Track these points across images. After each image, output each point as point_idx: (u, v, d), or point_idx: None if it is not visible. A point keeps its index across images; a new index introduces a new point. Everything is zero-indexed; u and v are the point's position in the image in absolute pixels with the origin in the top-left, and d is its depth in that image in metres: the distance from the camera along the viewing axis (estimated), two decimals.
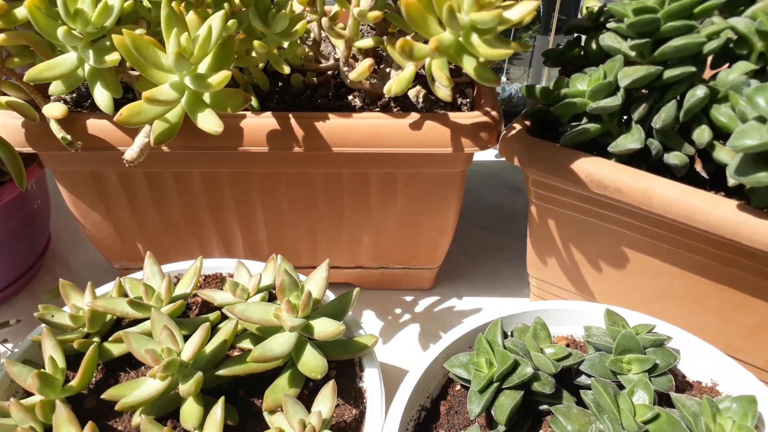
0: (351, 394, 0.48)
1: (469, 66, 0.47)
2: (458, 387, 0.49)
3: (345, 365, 0.49)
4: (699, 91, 0.51)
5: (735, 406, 0.43)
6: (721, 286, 0.54)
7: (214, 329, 0.48)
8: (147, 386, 0.43)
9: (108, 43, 0.50)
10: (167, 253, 0.68)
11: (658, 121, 0.52)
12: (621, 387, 0.44)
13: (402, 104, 0.62)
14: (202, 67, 0.48)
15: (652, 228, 0.54)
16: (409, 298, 0.74)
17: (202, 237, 0.68)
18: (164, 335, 0.44)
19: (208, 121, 0.47)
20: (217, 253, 0.70)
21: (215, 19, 0.45)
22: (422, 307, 0.73)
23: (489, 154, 0.96)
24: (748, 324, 0.55)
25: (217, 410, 0.42)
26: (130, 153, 0.51)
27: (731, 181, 0.51)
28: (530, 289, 0.71)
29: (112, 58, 0.48)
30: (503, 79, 1.32)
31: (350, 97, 0.64)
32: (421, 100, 0.61)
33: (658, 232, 0.54)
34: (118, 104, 0.51)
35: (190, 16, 0.47)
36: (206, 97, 0.49)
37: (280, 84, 0.66)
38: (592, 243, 0.59)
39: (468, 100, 0.64)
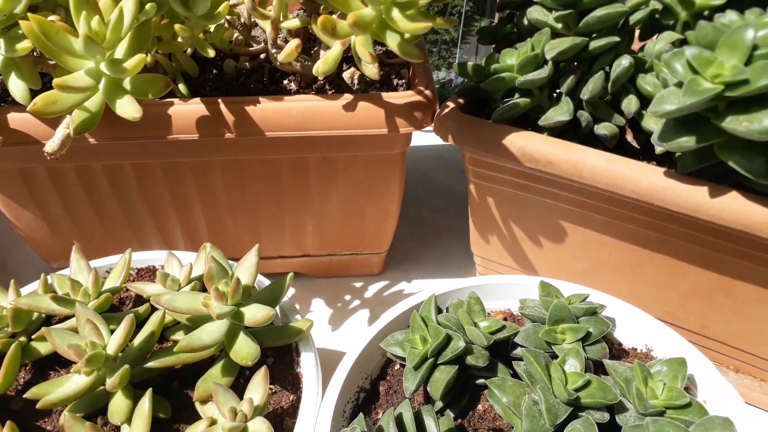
0: (288, 380, 0.47)
1: (392, 42, 0.47)
2: (397, 366, 0.49)
3: (282, 352, 0.49)
4: (624, 61, 0.51)
5: (665, 369, 0.43)
6: (655, 254, 0.55)
7: (144, 322, 0.47)
8: (71, 382, 0.42)
9: (20, 31, 0.48)
10: (105, 249, 0.67)
11: (585, 93, 0.52)
12: (555, 357, 0.45)
13: (337, 87, 0.61)
14: (119, 52, 0.46)
15: (586, 200, 0.54)
16: (358, 285, 0.73)
17: (140, 231, 0.66)
18: (88, 329, 0.43)
19: (127, 107, 0.45)
20: (156, 246, 0.68)
21: (127, 2, 0.44)
22: (372, 293, 0.72)
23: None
24: (682, 290, 0.56)
25: (145, 402, 0.40)
26: (51, 145, 0.50)
27: (658, 149, 0.52)
28: (476, 269, 0.71)
29: (24, 46, 0.47)
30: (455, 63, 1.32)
31: (285, 82, 0.62)
32: (356, 81, 0.61)
33: (591, 203, 0.54)
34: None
35: (104, 0, 0.45)
36: (126, 84, 0.48)
37: (214, 71, 0.64)
38: (530, 218, 0.60)
39: (404, 80, 0.63)
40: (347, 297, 0.72)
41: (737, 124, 0.42)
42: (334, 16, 0.49)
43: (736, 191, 0.47)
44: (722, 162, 0.46)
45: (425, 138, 0.95)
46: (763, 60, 0.41)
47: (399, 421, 0.39)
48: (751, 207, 0.46)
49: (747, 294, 0.53)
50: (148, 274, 0.55)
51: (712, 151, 0.46)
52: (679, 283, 0.56)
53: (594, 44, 0.51)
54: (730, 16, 0.49)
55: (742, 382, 0.59)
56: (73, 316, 0.48)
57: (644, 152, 0.56)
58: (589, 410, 0.40)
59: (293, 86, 0.62)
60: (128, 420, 0.41)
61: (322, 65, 0.50)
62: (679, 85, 0.44)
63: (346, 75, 0.60)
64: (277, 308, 0.50)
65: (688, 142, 0.45)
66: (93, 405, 0.44)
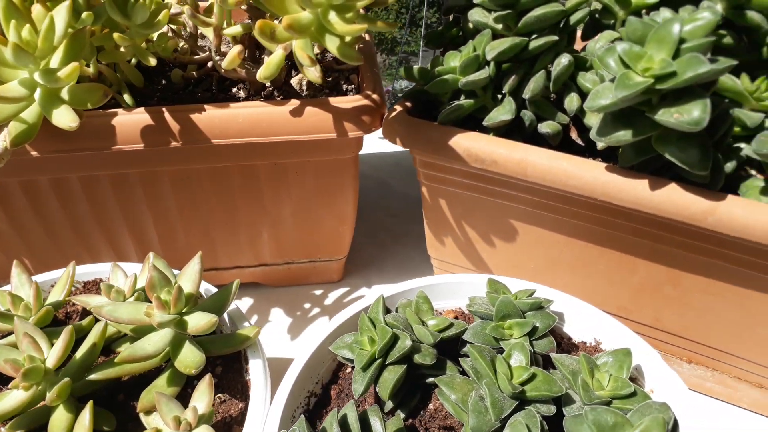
0: (237, 388, 0.46)
1: (332, 45, 0.47)
2: (348, 370, 0.49)
3: (231, 360, 0.48)
4: (564, 60, 0.52)
5: (611, 360, 0.44)
6: (605, 249, 0.56)
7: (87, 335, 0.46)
8: (10, 398, 0.41)
9: None
10: (55, 265, 0.65)
11: (527, 92, 0.53)
12: (503, 352, 0.45)
13: (286, 93, 0.61)
14: (54, 62, 0.45)
15: (533, 198, 0.55)
16: (318, 292, 0.73)
17: (91, 245, 0.65)
18: (26, 343, 0.42)
19: (63, 117, 0.45)
20: (108, 260, 0.67)
21: (60, 10, 0.43)
22: (332, 300, 0.72)
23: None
24: (633, 284, 0.57)
25: (85, 415, 0.39)
26: None
27: (599, 144, 0.53)
28: (433, 271, 0.71)
29: None
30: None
31: (234, 90, 0.62)
32: (305, 88, 0.61)
33: (539, 201, 0.55)
34: None
35: (37, 9, 0.45)
36: (64, 94, 0.47)
37: (163, 82, 0.64)
38: (481, 218, 0.60)
39: (353, 86, 0.63)
40: (307, 305, 0.71)
41: (669, 116, 0.43)
42: (276, 21, 0.49)
43: (675, 183, 0.48)
44: (660, 155, 0.47)
45: (383, 145, 0.95)
46: (689, 53, 0.42)
47: (343, 423, 0.39)
48: (689, 198, 0.47)
49: (694, 285, 0.54)
50: (95, 287, 0.54)
51: (649, 144, 0.47)
52: (629, 278, 0.57)
53: (534, 44, 0.52)
54: (664, 13, 0.50)
55: (695, 373, 0.60)
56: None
57: (589, 150, 0.57)
58: (535, 403, 0.40)
59: (242, 94, 0.62)
60: None
61: (264, 70, 0.50)
62: (614, 80, 0.45)
63: (294, 81, 0.61)
64: (225, 316, 0.50)
65: (625, 135, 0.46)
66: (35, 421, 0.43)
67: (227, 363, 0.48)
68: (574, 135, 0.57)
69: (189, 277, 0.45)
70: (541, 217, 0.56)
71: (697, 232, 0.48)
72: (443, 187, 0.60)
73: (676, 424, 0.34)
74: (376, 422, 0.40)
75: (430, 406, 0.46)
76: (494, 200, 0.57)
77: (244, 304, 0.71)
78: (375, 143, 0.96)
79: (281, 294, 0.72)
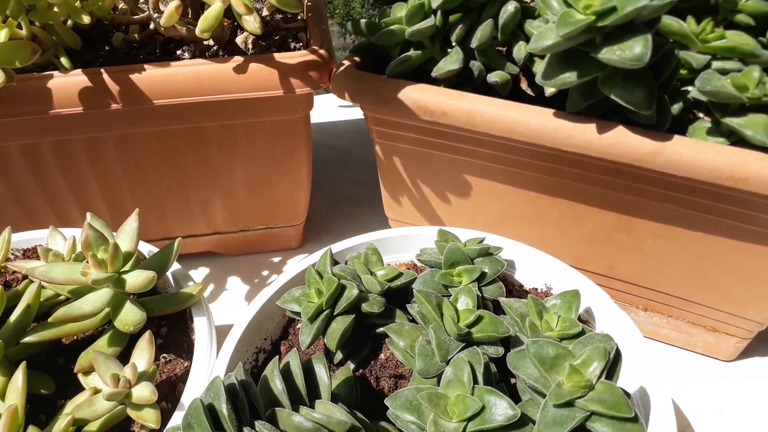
0: (183, 347, 0.45)
1: None
2: (299, 325, 0.48)
3: (176, 320, 0.47)
4: (509, 7, 0.52)
5: (560, 302, 0.43)
6: (556, 200, 0.55)
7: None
8: None
9: None
10: None
11: (475, 41, 0.52)
12: None
13: (231, 52, 0.60)
14: None
15: (484, 150, 0.54)
16: (276, 260, 0.72)
17: (35, 216, 0.63)
18: None
19: None
20: None
21: None
22: (290, 267, 0.71)
23: (358, 112, 0.95)
24: (586, 233, 0.57)
25: (18, 376, 0.38)
26: None
27: (548, 91, 0.52)
28: None
29: None
30: None
31: (179, 52, 0.60)
32: (250, 46, 0.59)
33: (489, 153, 0.54)
34: None
35: None
36: None
37: (106, 48, 0.61)
38: (435, 175, 0.59)
39: (301, 44, 0.62)
40: (265, 272, 0.70)
41: (611, 53, 0.43)
42: None
43: (623, 125, 0.47)
44: (607, 98, 0.47)
45: (342, 114, 0.94)
46: None
47: (286, 371, 0.38)
48: (636, 140, 0.47)
49: (645, 231, 0.54)
50: (35, 254, 0.53)
51: (595, 87, 0.46)
52: (582, 227, 0.56)
53: None
54: None
55: (651, 320, 0.60)
56: None
57: (540, 100, 0.56)
58: (483, 345, 0.40)
59: (187, 56, 0.60)
60: (2, 395, 0.38)
61: (202, 23, 0.48)
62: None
63: (239, 40, 0.59)
64: (169, 277, 0.48)
65: (570, 77, 0.46)
66: None
67: (172, 323, 0.47)
68: (524, 86, 0.56)
69: (126, 235, 0.44)
70: (492, 170, 0.56)
71: (646, 175, 0.48)
72: (396, 144, 0.59)
73: (618, 354, 0.34)
74: (321, 370, 0.39)
75: (381, 356, 0.45)
76: (446, 155, 0.57)
77: (199, 273, 0.70)
78: (334, 112, 0.94)
79: (238, 262, 0.71)
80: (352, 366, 0.44)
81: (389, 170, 0.62)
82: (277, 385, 0.36)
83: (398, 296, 0.47)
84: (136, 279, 0.41)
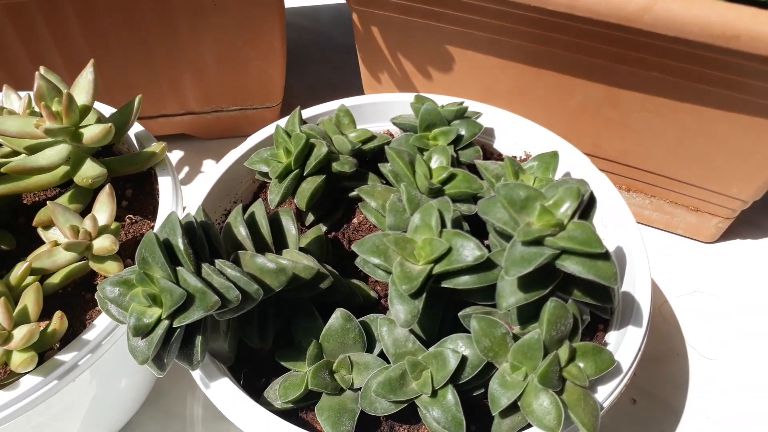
0: (149, 209, 0.44)
1: None
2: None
3: (142, 182, 0.45)
4: None
5: (537, 163, 0.42)
6: (541, 72, 0.53)
7: None
8: None
9: None
10: None
11: None
12: None
13: None
14: None
15: (468, 16, 0.51)
16: None
17: None
18: None
19: None
20: None
21: None
22: None
23: None
24: (571, 108, 0.54)
25: None
26: None
27: None
28: None
29: None
30: None
31: None
32: None
33: (474, 19, 0.51)
34: None
35: None
36: None
37: None
38: (416, 47, 0.56)
39: None
40: None
41: None
42: None
43: None
44: None
45: None
46: None
47: (251, 220, 0.36)
48: None
49: (632, 104, 0.52)
50: None
51: None
52: (567, 102, 0.54)
53: None
54: None
55: (634, 201, 0.59)
56: None
57: None
58: (456, 203, 0.39)
59: None
60: None
61: None
62: None
63: None
64: (132, 138, 0.46)
65: None
66: None
67: (138, 185, 0.45)
68: None
69: (82, 88, 0.41)
70: (476, 39, 0.53)
71: (634, 40, 0.46)
72: (375, 11, 0.55)
73: (593, 199, 0.33)
74: (288, 222, 0.38)
75: (354, 220, 0.44)
76: (428, 23, 0.53)
77: (173, 156, 0.67)
78: None
79: (213, 145, 0.68)
80: (324, 228, 0.42)
81: (368, 42, 0.58)
82: (241, 231, 0.35)
83: (372, 165, 0.45)
84: (94, 131, 0.39)
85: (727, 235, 0.60)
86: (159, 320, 0.29)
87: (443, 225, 0.34)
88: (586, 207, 0.32)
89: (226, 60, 0.60)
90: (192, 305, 0.29)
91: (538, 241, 0.30)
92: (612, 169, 0.58)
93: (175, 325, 0.29)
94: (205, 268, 0.30)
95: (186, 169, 0.66)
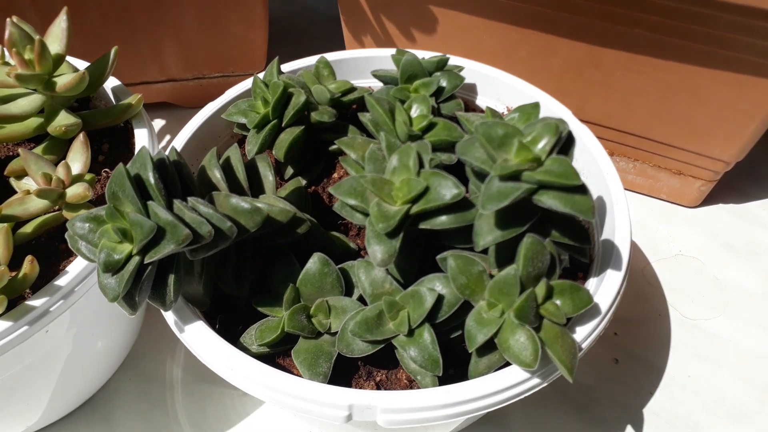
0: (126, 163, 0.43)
1: None
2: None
3: (118, 136, 0.45)
4: None
5: (518, 114, 0.41)
6: (526, 32, 0.53)
7: None
8: None
9: None
10: None
11: None
12: None
13: None
14: None
15: None
16: None
17: None
18: None
19: None
20: None
21: None
22: None
23: None
24: (555, 69, 0.54)
25: None
26: None
27: None
28: None
29: None
30: None
31: None
32: None
33: None
34: None
35: None
36: None
37: None
38: (399, 7, 0.56)
39: None
40: None
41: None
42: None
43: None
44: None
45: None
46: None
47: (227, 165, 0.36)
48: None
49: (616, 63, 0.51)
50: None
51: None
52: (551, 62, 0.54)
53: None
54: None
55: (618, 166, 0.59)
56: None
57: None
58: (436, 152, 0.38)
59: None
60: None
61: None
62: None
63: None
64: (109, 92, 0.46)
65: None
66: None
67: (114, 139, 0.44)
68: None
69: (55, 36, 0.40)
70: None
71: None
72: None
73: (571, 137, 0.33)
74: (264, 168, 0.37)
75: (334, 174, 0.44)
76: None
77: (155, 125, 0.67)
78: None
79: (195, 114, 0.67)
80: (303, 182, 0.42)
81: (351, 3, 0.58)
82: (215, 173, 0.34)
83: (353, 120, 0.44)
84: (67, 79, 0.38)
85: (710, 199, 0.60)
86: (130, 256, 0.29)
87: (421, 166, 0.33)
88: (565, 145, 0.32)
89: (208, 23, 0.60)
90: (163, 239, 0.28)
91: (515, 176, 0.30)
92: (596, 133, 0.57)
93: (146, 260, 0.29)
94: (177, 203, 0.30)
95: (167, 137, 0.66)
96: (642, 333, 0.52)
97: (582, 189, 0.30)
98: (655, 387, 0.49)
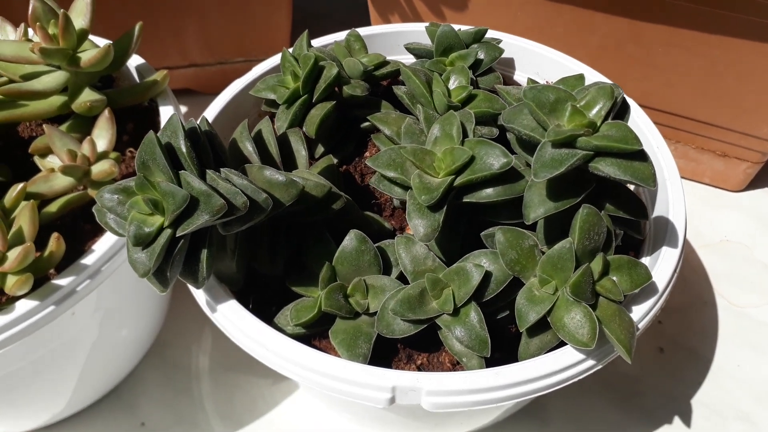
0: None
1: None
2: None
3: (143, 115, 0.43)
4: None
5: (562, 86, 0.39)
6: (562, 7, 0.50)
7: None
8: None
9: None
10: None
11: None
12: None
13: None
14: None
15: None
16: None
17: None
18: None
19: None
20: None
21: None
22: None
23: None
24: (593, 46, 0.52)
25: None
26: None
27: None
28: None
29: None
30: None
31: None
32: None
33: None
34: None
35: None
36: None
37: None
38: None
39: None
40: None
41: None
42: None
43: None
44: None
45: None
46: None
47: (258, 138, 0.34)
48: None
49: (657, 38, 0.49)
50: None
51: None
52: (589, 39, 0.52)
53: None
54: None
55: None
56: None
57: None
58: (477, 126, 0.36)
59: None
60: None
61: None
62: None
63: None
64: (132, 71, 0.44)
65: None
66: None
67: (139, 119, 0.43)
68: None
69: (79, 11, 0.39)
70: None
71: None
72: None
73: (626, 103, 0.30)
74: (297, 142, 0.36)
75: (367, 153, 0.42)
76: None
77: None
78: None
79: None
80: (335, 160, 0.40)
81: None
82: (247, 146, 0.32)
83: (386, 96, 0.43)
84: (91, 54, 0.37)
85: (756, 183, 0.57)
86: (161, 229, 0.27)
87: (465, 135, 0.31)
88: (620, 110, 0.30)
89: (230, 5, 0.58)
90: (196, 210, 0.27)
91: (569, 143, 0.28)
92: None
93: (178, 233, 0.27)
94: (210, 173, 0.28)
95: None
96: (687, 321, 0.50)
97: (642, 155, 0.28)
98: (703, 377, 0.47)
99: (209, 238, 0.29)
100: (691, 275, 0.52)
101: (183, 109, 0.66)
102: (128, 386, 0.46)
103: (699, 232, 0.55)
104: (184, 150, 0.28)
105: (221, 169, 0.29)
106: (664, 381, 0.46)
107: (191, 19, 0.59)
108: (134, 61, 0.45)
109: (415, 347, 0.32)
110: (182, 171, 0.27)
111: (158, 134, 0.28)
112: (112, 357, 0.43)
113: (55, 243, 0.32)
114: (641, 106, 0.54)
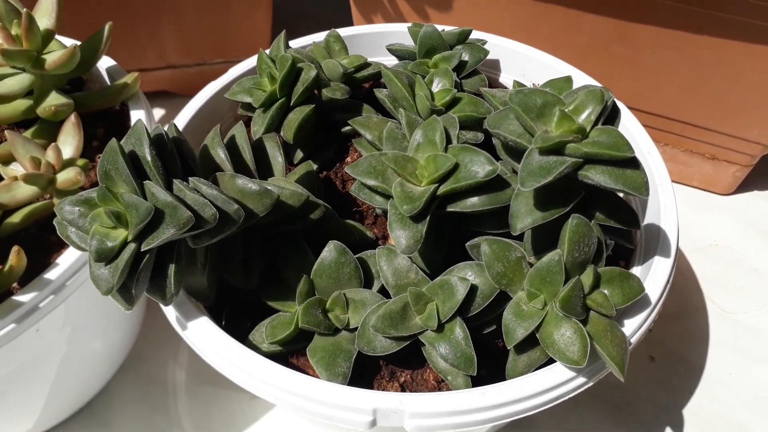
0: None
1: None
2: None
3: (114, 120, 0.41)
4: None
5: (548, 89, 0.38)
6: (549, 6, 0.49)
7: None
8: None
9: None
10: None
11: None
12: None
13: None
14: None
15: None
16: None
17: None
18: None
19: None
20: None
21: None
22: None
23: None
24: (579, 46, 0.51)
25: None
26: None
27: None
28: None
29: None
30: None
31: None
32: None
33: None
34: None
35: None
36: None
37: None
38: None
39: None
40: None
41: None
42: None
43: None
44: None
45: None
46: None
47: (231, 144, 0.33)
48: None
49: (645, 39, 0.48)
50: None
51: None
52: (575, 39, 0.51)
53: None
54: None
55: None
56: None
57: None
58: (461, 131, 0.35)
59: None
60: None
61: None
62: None
63: None
64: (103, 72, 0.42)
65: None
66: None
67: (110, 124, 0.41)
68: None
69: (44, 11, 0.37)
70: None
71: None
72: None
73: (616, 107, 0.29)
74: (273, 149, 0.34)
75: (348, 159, 0.40)
76: None
77: (155, 115, 0.63)
78: None
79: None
80: (314, 166, 0.39)
81: None
82: (219, 153, 0.31)
83: (367, 99, 0.41)
84: (57, 56, 0.35)
85: (745, 186, 0.56)
86: (125, 243, 0.25)
87: (448, 141, 0.30)
88: (610, 115, 0.29)
89: (209, 4, 0.56)
90: (161, 223, 0.25)
91: (557, 149, 0.27)
92: None
93: (143, 248, 0.25)
94: (177, 184, 0.26)
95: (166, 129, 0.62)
96: (678, 328, 0.49)
97: (634, 162, 0.26)
98: (695, 385, 0.46)
99: (177, 251, 0.27)
100: (681, 280, 0.51)
101: (160, 111, 0.64)
102: (102, 402, 0.44)
103: (688, 237, 0.54)
104: (149, 158, 0.26)
105: (190, 178, 0.27)
106: (655, 390, 0.45)
107: (168, 19, 0.57)
108: (105, 63, 0.43)
109: (398, 364, 0.31)
110: (147, 181, 0.26)
111: (122, 142, 0.27)
112: (84, 372, 0.41)
113: (15, 257, 0.30)
114: (629, 108, 0.53)
